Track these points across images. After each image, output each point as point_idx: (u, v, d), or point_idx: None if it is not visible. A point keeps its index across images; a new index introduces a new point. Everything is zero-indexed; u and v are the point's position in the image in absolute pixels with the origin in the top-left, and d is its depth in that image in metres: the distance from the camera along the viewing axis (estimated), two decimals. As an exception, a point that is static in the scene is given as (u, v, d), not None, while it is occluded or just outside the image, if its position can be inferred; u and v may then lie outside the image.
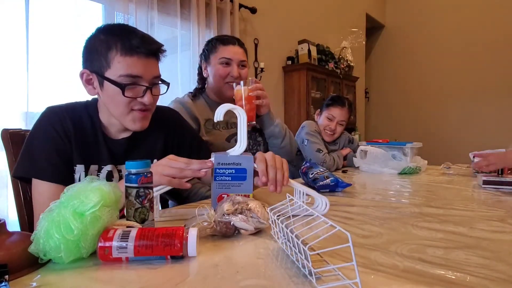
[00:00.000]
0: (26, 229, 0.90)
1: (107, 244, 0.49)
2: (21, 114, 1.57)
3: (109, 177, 0.84)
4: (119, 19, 1.99)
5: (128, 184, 0.61)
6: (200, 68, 1.34)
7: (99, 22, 1.97)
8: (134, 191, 0.61)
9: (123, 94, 0.74)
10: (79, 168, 0.81)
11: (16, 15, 1.57)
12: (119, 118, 0.81)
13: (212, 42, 1.28)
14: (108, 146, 0.84)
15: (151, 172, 0.63)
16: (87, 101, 0.87)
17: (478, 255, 0.51)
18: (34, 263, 0.48)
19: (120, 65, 0.74)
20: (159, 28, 2.18)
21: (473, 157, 1.45)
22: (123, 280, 0.45)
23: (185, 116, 1.21)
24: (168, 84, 0.83)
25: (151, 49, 0.76)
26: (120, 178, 0.85)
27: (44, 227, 0.48)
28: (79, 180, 0.81)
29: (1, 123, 1.48)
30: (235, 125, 1.27)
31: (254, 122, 1.19)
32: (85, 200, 0.50)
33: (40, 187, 0.77)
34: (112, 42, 0.74)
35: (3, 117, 1.55)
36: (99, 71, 0.75)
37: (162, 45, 0.80)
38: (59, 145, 0.78)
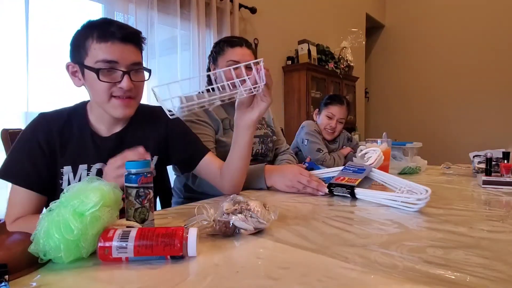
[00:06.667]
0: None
1: (107, 244, 0.49)
2: (21, 114, 1.57)
3: (99, 174, 0.85)
4: (119, 19, 1.99)
5: (128, 184, 0.61)
6: (208, 70, 1.34)
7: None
8: (134, 191, 0.61)
9: (98, 78, 0.75)
10: (67, 170, 0.83)
11: (16, 15, 1.57)
12: (102, 106, 0.82)
13: (220, 45, 1.28)
14: (96, 145, 0.85)
15: (151, 172, 0.63)
16: (76, 104, 0.89)
17: (478, 255, 0.51)
18: (34, 263, 0.48)
19: (95, 52, 0.75)
20: (159, 28, 2.18)
21: (473, 157, 1.45)
22: (123, 280, 0.45)
23: (206, 118, 1.20)
24: (149, 71, 0.83)
25: (126, 34, 0.77)
26: None
27: (44, 227, 0.48)
28: (68, 181, 0.83)
29: (1, 123, 1.47)
30: None
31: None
32: (85, 200, 0.50)
33: (13, 189, 0.80)
34: (90, 32, 0.76)
35: (3, 117, 1.55)
36: (80, 61, 0.78)
37: (140, 32, 0.81)
38: (36, 155, 0.80)
